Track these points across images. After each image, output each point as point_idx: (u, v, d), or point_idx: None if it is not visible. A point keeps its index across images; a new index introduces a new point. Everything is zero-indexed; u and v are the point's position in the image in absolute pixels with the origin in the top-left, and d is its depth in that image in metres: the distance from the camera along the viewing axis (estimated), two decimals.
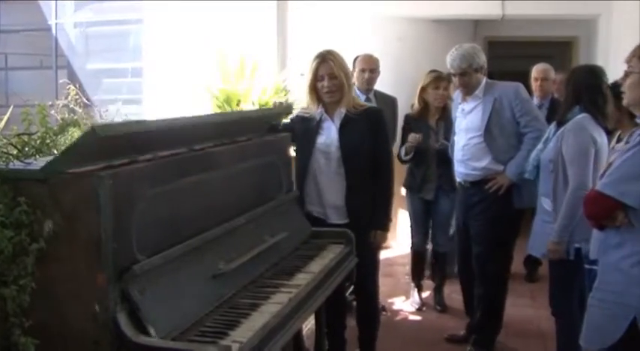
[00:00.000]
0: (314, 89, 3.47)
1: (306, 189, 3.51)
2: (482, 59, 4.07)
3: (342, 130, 3.46)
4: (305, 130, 3.52)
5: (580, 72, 3.56)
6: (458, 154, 4.18)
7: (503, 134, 3.97)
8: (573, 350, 3.30)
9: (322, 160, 3.48)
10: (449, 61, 4.08)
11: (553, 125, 3.54)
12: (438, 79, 4.82)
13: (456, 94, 4.36)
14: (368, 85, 4.78)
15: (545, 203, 3.47)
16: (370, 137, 3.48)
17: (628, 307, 2.42)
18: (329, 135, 3.49)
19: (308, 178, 3.50)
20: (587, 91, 3.39)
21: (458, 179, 4.27)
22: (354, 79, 4.57)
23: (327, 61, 3.42)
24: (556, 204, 3.37)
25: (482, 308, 4.14)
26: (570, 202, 3.25)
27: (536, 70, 5.44)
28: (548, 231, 3.39)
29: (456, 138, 4.23)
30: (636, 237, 2.42)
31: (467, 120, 4.12)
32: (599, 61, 6.21)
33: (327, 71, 3.43)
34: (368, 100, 4.65)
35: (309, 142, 3.50)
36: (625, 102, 2.59)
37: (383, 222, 3.55)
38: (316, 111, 3.50)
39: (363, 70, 4.76)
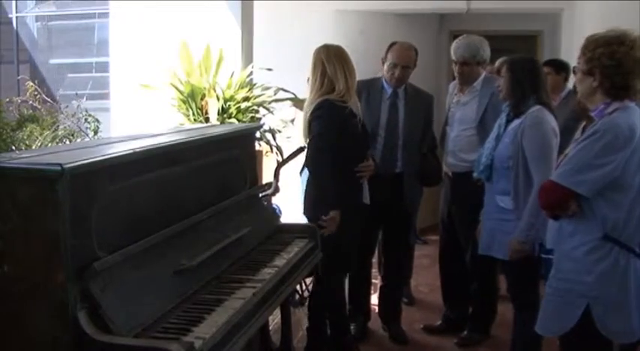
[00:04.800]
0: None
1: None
2: (487, 53, 4.07)
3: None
4: (352, 121, 3.55)
5: (522, 64, 3.48)
6: (449, 144, 4.19)
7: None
8: (535, 341, 3.36)
9: None
10: (453, 49, 4.08)
11: (502, 121, 3.49)
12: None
13: (452, 85, 4.37)
14: (397, 83, 4.09)
15: (502, 202, 3.40)
16: None
17: (582, 294, 2.47)
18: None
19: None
20: (536, 82, 3.39)
21: (445, 170, 4.28)
22: (384, 70, 4.11)
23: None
24: (518, 202, 3.32)
25: (478, 297, 4.20)
26: (536, 201, 3.13)
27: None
28: (508, 229, 3.34)
29: (447, 128, 4.23)
30: (589, 225, 2.46)
31: (461, 111, 4.13)
32: (563, 55, 6.29)
33: None
34: (395, 95, 4.12)
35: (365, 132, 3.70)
36: (578, 97, 2.64)
37: None
38: (351, 102, 3.54)
39: (394, 66, 4.04)
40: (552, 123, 3.33)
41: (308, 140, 3.50)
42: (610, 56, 2.40)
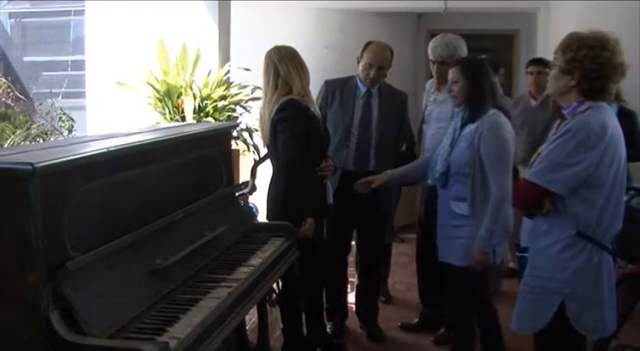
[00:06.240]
0: None
1: None
2: (464, 52, 4.07)
3: None
4: (314, 121, 3.52)
5: (476, 67, 3.37)
6: (426, 142, 4.19)
7: None
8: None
9: None
10: (431, 48, 4.08)
11: (457, 125, 3.37)
12: None
13: (429, 83, 4.38)
14: (372, 83, 4.09)
15: (457, 208, 3.31)
16: None
17: (556, 292, 2.49)
18: None
19: None
20: (492, 85, 3.32)
21: None
22: (358, 70, 4.11)
23: None
24: (474, 207, 3.26)
25: None
26: (494, 208, 3.16)
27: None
28: (464, 234, 3.29)
29: (424, 127, 4.24)
30: (563, 223, 2.48)
31: (438, 110, 4.13)
32: (539, 54, 6.36)
33: None
34: (369, 94, 4.12)
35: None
36: (548, 91, 2.65)
37: None
38: (310, 102, 3.52)
39: (370, 66, 4.03)
40: (509, 127, 3.28)
41: (278, 142, 3.42)
42: (593, 60, 2.41)
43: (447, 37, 4.10)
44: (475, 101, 3.29)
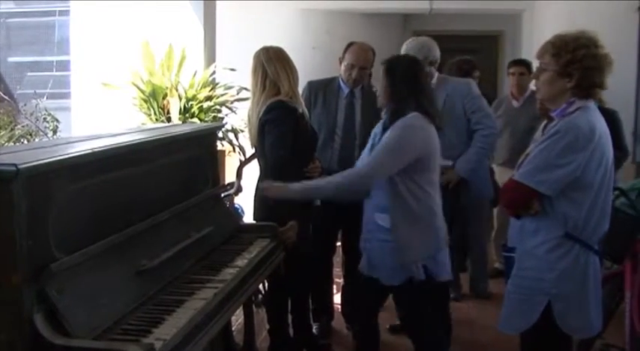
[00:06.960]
0: None
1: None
2: (437, 53, 4.08)
3: None
4: (302, 122, 3.50)
5: (401, 64, 3.12)
6: None
7: (453, 130, 3.94)
8: None
9: None
10: (404, 51, 4.08)
11: (378, 129, 3.17)
12: None
13: None
14: (354, 84, 4.07)
15: (381, 220, 3.07)
16: None
17: (543, 292, 2.51)
18: None
19: None
20: (416, 86, 3.04)
21: None
22: (341, 70, 4.10)
23: None
24: (395, 219, 3.02)
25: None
26: (351, 175, 3.01)
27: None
28: (388, 251, 3.05)
29: None
30: (551, 224, 2.50)
31: None
32: (524, 55, 6.40)
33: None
34: (352, 94, 4.11)
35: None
36: (539, 96, 2.64)
37: None
38: (298, 103, 3.49)
39: (352, 67, 4.01)
40: (430, 131, 3.02)
41: (266, 143, 3.38)
42: (593, 58, 2.44)
43: (420, 40, 4.13)
44: (394, 102, 3.05)
